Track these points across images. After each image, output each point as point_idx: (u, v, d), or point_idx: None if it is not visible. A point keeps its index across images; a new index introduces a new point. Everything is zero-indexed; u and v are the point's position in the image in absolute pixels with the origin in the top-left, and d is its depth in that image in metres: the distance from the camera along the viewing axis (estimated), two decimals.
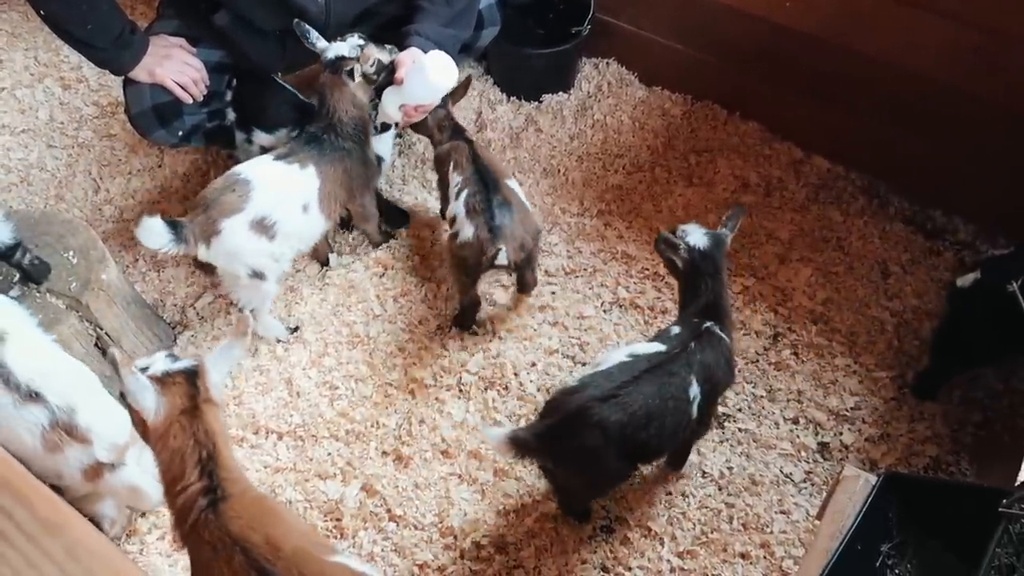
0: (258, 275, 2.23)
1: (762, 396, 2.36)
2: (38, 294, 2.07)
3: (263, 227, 2.17)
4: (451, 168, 2.40)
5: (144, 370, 1.47)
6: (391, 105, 2.37)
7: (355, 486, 2.18)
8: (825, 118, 2.82)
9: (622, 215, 2.79)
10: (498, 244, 2.19)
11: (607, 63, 3.27)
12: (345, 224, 2.72)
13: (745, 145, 2.96)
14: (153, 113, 2.38)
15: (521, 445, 1.79)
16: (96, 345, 2.13)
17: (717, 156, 2.93)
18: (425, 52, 2.29)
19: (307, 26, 2.27)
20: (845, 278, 2.57)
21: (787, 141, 2.96)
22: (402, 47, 2.34)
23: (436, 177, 2.59)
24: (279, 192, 2.20)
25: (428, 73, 2.22)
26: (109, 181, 2.97)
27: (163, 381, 1.46)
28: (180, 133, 2.47)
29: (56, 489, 1.78)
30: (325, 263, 2.65)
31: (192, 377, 1.50)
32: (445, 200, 2.48)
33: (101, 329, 2.12)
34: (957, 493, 1.64)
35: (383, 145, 2.77)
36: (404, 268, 2.66)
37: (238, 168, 2.22)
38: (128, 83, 2.39)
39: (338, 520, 2.14)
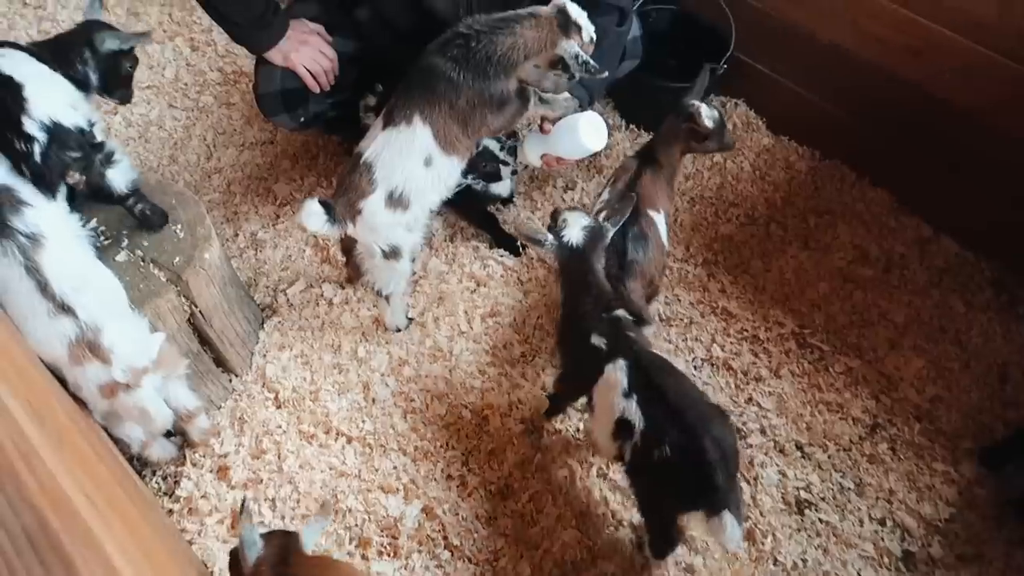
0: (393, 253, 2.20)
1: (850, 488, 2.22)
2: (142, 263, 2.09)
3: (395, 200, 2.12)
4: (610, 182, 2.32)
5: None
6: (533, 152, 2.33)
7: (416, 506, 2.15)
8: (961, 198, 2.63)
9: (728, 268, 2.67)
10: (628, 281, 2.08)
11: (736, 103, 3.14)
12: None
13: (870, 213, 2.80)
14: (280, 97, 2.38)
15: None
16: (188, 321, 2.15)
17: (838, 220, 2.78)
18: (573, 93, 2.24)
19: None
20: (959, 376, 2.40)
21: (916, 216, 2.78)
22: None
23: (543, 197, 2.53)
24: (398, 161, 2.10)
25: (580, 135, 2.20)
26: (222, 150, 3.01)
27: (265, 537, 1.55)
28: (302, 119, 2.47)
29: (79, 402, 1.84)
30: None
31: (286, 538, 1.59)
32: None
33: (196, 307, 2.13)
34: None
35: (502, 186, 2.75)
36: (497, 287, 2.60)
37: (360, 148, 2.16)
38: (260, 62, 2.39)
39: (394, 538, 2.10)
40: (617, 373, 1.82)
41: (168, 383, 1.98)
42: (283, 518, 2.13)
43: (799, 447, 2.27)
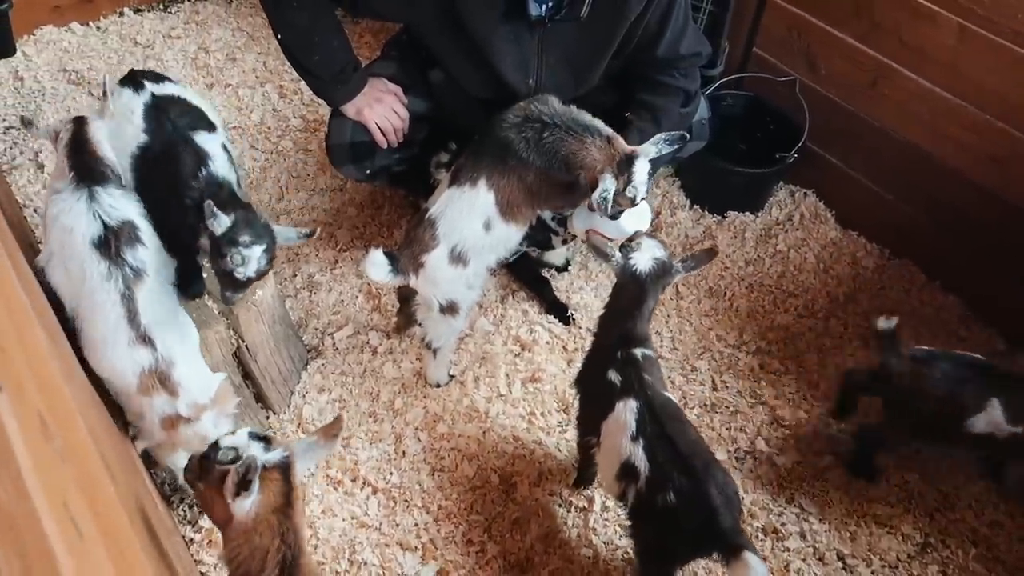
0: (451, 308, 2.24)
1: None
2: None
3: (458, 257, 2.17)
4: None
5: (232, 450, 1.42)
6: (579, 224, 2.36)
7: (432, 568, 2.10)
8: None
9: (781, 359, 2.58)
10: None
11: (804, 194, 3.09)
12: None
13: (939, 320, 2.68)
14: (349, 148, 2.46)
15: None
16: (234, 355, 2.19)
17: (904, 323, 2.65)
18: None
19: None
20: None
21: (989, 329, 2.65)
22: None
23: (598, 267, 2.52)
24: (460, 220, 2.16)
25: (621, 223, 2.20)
26: (293, 193, 3.12)
27: (261, 476, 1.40)
28: (368, 172, 2.54)
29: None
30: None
31: (287, 471, 1.45)
32: None
33: (243, 341, 2.18)
34: None
35: (556, 256, 2.79)
36: (542, 353, 2.58)
37: (428, 204, 2.23)
38: (335, 114, 2.48)
39: None
40: (627, 415, 1.80)
41: (219, 418, 2.02)
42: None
43: (840, 557, 2.14)
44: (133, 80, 2.14)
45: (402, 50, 2.55)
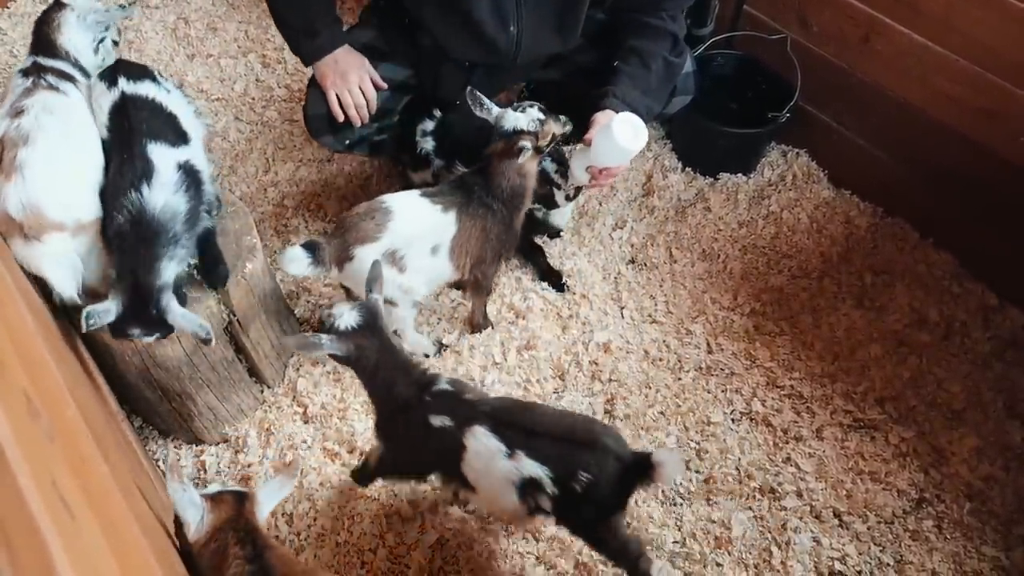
0: (389, 302, 2.21)
1: (889, 565, 2.09)
2: (187, 267, 2.12)
3: (394, 259, 2.14)
4: None
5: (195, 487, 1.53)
6: (579, 168, 2.31)
7: (431, 536, 2.10)
8: None
9: (775, 320, 2.58)
10: None
11: (797, 153, 3.06)
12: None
13: (932, 276, 2.68)
14: (326, 119, 2.42)
15: None
16: (225, 330, 2.17)
17: (897, 281, 2.66)
18: (617, 113, 2.20)
19: (479, 94, 2.21)
20: (1018, 456, 2.25)
21: (981, 282, 2.65)
22: (596, 107, 2.26)
23: (591, 233, 2.49)
24: (414, 228, 2.16)
25: (616, 137, 2.13)
26: (280, 164, 3.07)
27: (213, 499, 1.51)
28: (347, 142, 2.51)
29: None
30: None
31: (240, 500, 1.54)
32: None
33: (234, 316, 2.16)
34: None
35: (561, 217, 2.74)
36: (536, 320, 2.56)
37: (385, 197, 2.20)
38: (313, 83, 2.44)
39: (407, 567, 2.06)
40: (484, 441, 1.70)
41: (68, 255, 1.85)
42: (298, 535, 2.11)
43: (837, 515, 2.15)
44: (111, 73, 2.05)
45: (381, 16, 2.50)
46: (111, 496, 1.10)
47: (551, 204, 2.62)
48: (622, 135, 2.15)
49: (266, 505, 1.59)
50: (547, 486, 1.68)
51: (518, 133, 2.17)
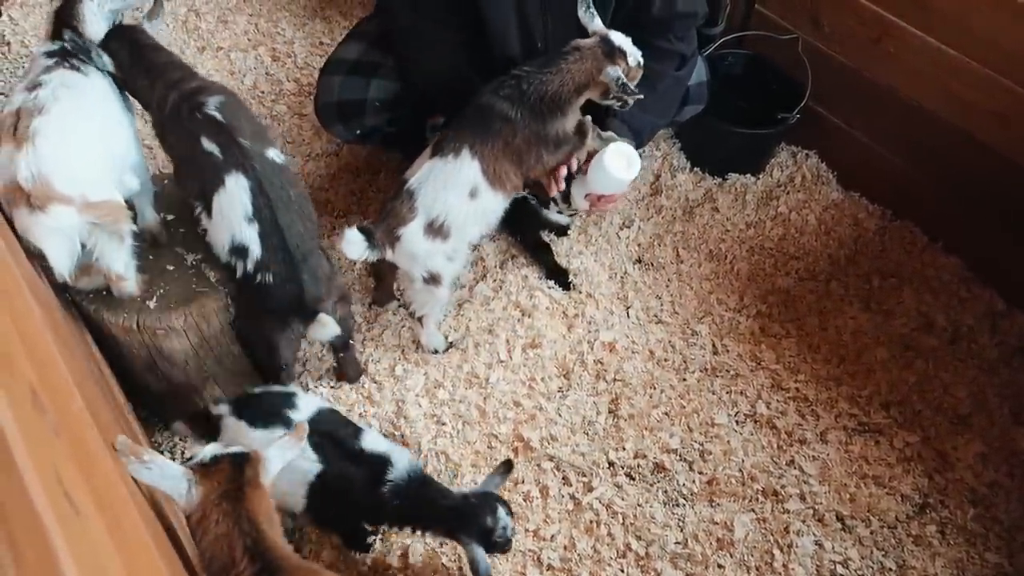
0: (433, 279, 2.23)
1: (891, 569, 2.08)
2: (195, 264, 2.13)
3: (435, 229, 2.14)
4: None
5: (190, 459, 1.41)
6: (578, 196, 2.34)
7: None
8: None
9: (782, 322, 2.57)
10: None
11: (806, 155, 3.05)
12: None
13: (940, 280, 2.66)
14: (336, 107, 2.42)
15: None
16: (231, 324, 2.17)
17: (904, 285, 2.65)
18: (619, 135, 2.23)
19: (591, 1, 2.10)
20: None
21: (990, 288, 2.64)
22: (602, 127, 2.27)
23: (598, 232, 2.50)
24: (439, 191, 2.13)
25: (608, 168, 2.17)
26: (289, 158, 3.07)
27: (204, 465, 1.39)
28: (358, 132, 2.51)
29: None
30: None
31: (239, 462, 1.43)
32: None
33: None
34: None
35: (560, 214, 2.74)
36: (542, 318, 2.56)
37: (407, 174, 2.20)
38: (324, 70, 2.44)
39: (406, 564, 2.07)
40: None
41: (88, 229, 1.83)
42: (299, 529, 2.12)
43: (840, 518, 2.15)
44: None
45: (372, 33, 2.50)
46: (117, 491, 1.10)
47: (546, 205, 2.63)
48: (614, 166, 2.18)
49: (274, 464, 1.49)
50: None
51: (621, 52, 2.08)
